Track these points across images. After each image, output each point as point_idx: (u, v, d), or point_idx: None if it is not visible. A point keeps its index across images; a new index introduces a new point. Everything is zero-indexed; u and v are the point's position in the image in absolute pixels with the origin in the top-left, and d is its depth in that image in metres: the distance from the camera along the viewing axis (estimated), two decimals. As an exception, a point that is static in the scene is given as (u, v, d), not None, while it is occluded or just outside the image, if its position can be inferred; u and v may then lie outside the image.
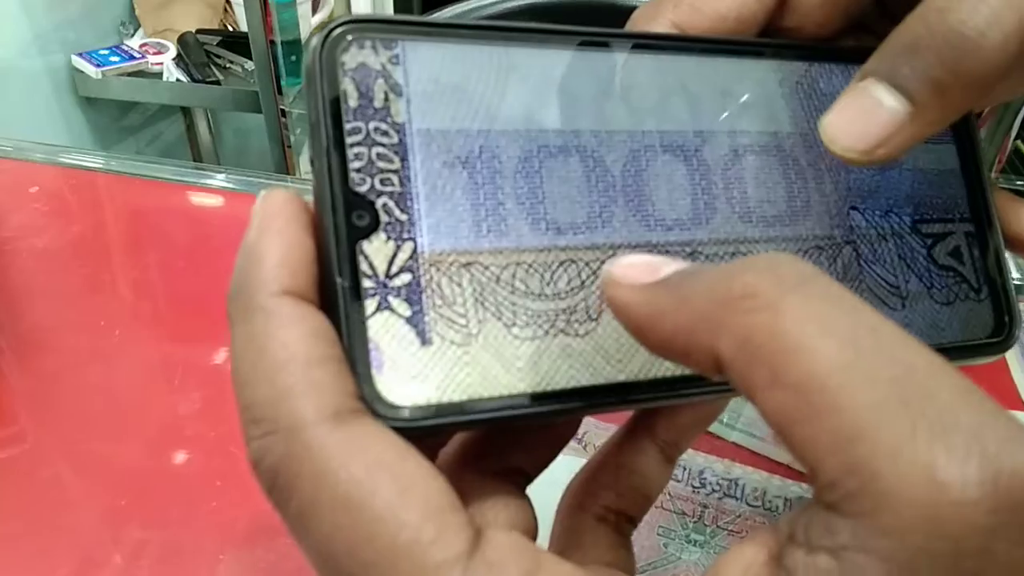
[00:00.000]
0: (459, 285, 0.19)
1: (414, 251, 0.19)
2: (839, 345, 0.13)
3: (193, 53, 1.45)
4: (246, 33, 1.31)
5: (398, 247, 0.19)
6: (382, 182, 0.19)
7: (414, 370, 0.18)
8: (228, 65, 1.47)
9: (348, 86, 0.19)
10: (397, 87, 0.20)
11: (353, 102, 0.19)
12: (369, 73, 0.19)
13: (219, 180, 0.66)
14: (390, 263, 0.19)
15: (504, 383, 0.19)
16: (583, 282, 0.21)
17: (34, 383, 0.49)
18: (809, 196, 0.24)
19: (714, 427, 0.45)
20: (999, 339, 0.25)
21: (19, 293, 0.56)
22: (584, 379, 0.20)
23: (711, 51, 0.23)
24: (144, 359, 0.51)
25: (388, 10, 1.45)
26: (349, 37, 0.19)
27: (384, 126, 0.19)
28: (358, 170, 0.19)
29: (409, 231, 0.19)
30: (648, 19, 0.22)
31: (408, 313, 0.19)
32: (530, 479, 0.21)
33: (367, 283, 0.18)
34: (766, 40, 0.24)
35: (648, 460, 0.22)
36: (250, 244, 0.17)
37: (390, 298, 0.19)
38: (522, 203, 0.21)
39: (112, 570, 0.40)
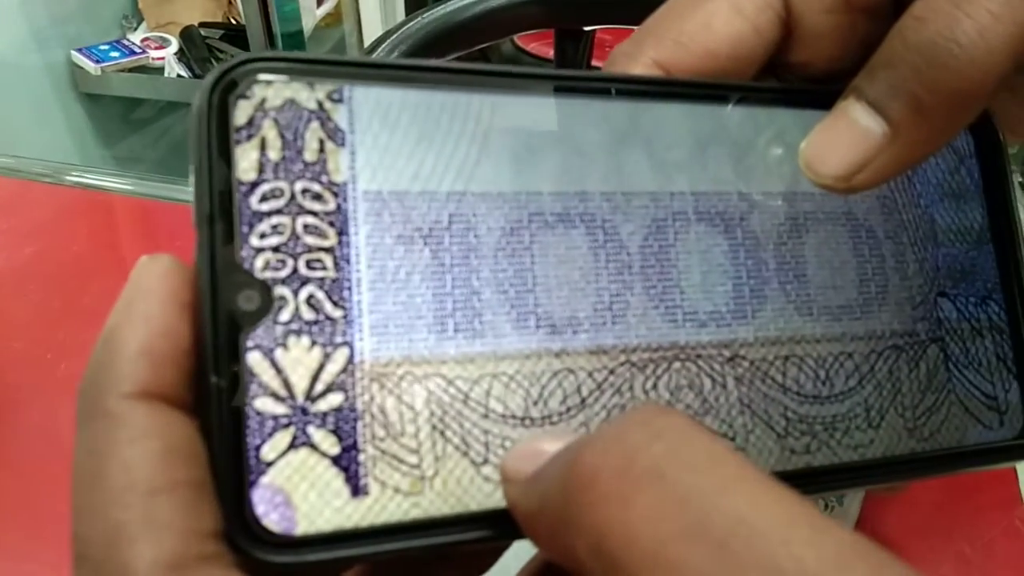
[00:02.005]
0: (411, 408, 0.15)
1: (349, 360, 0.15)
2: (705, 550, 0.11)
3: (195, 47, 1.41)
4: (249, 27, 1.25)
5: (326, 356, 0.14)
6: (309, 265, 0.15)
7: (339, 530, 0.14)
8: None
9: (266, 131, 0.15)
10: (338, 134, 0.15)
11: (272, 152, 0.15)
12: (298, 115, 0.15)
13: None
14: (314, 379, 0.14)
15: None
16: (584, 400, 0.16)
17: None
18: (887, 279, 0.19)
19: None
20: None
21: (-35, 321, 0.51)
22: None
23: (755, 99, 0.18)
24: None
25: (399, 7, 1.38)
26: (262, 70, 0.15)
27: (316, 187, 0.15)
28: (265, 249, 0.14)
29: (344, 333, 0.15)
30: (628, 56, 0.19)
31: (337, 451, 0.14)
32: None
33: (278, 408, 0.14)
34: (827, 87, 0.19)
35: None
36: (110, 328, 0.14)
37: (310, 429, 0.14)
38: (504, 291, 0.16)
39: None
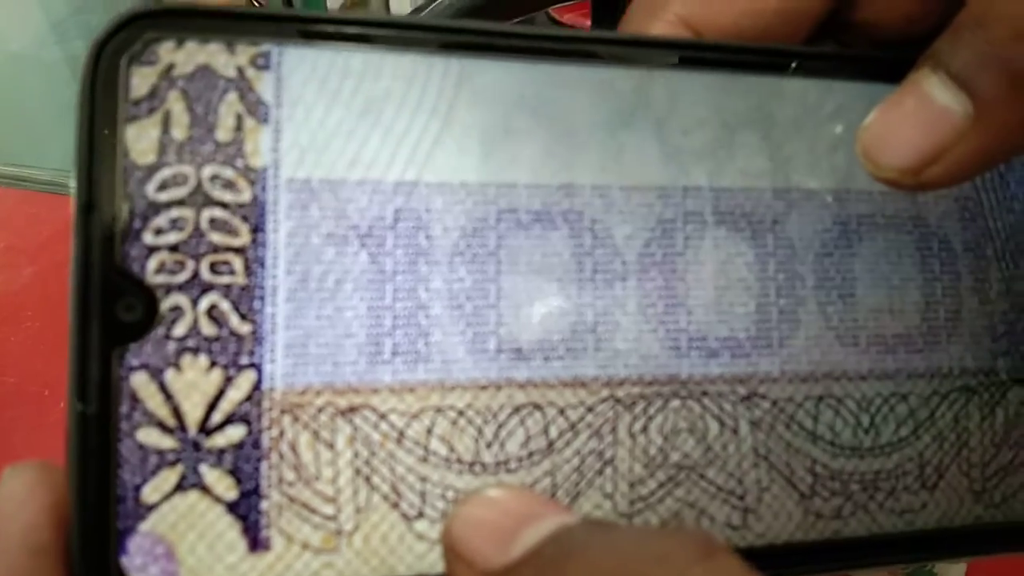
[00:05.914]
0: (331, 447, 0.12)
1: (256, 386, 0.12)
2: None
3: (219, 29, 1.41)
4: (272, 9, 1.24)
5: (228, 380, 0.12)
6: (213, 268, 0.12)
7: None
8: (255, 43, 1.41)
9: (172, 104, 0.12)
10: (260, 108, 0.13)
11: (177, 131, 0.12)
12: (212, 84, 0.12)
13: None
14: (210, 408, 0.12)
15: None
16: (551, 444, 0.13)
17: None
18: (961, 303, 0.15)
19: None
20: None
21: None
22: None
23: (805, 69, 0.15)
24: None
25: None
26: (169, 28, 0.12)
27: (228, 173, 0.12)
28: (161, 247, 0.12)
29: (251, 352, 0.12)
30: (648, 11, 0.16)
31: (234, 496, 0.12)
32: None
33: (164, 441, 0.12)
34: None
35: None
36: None
37: (203, 468, 0.12)
38: (459, 306, 0.13)
39: None
